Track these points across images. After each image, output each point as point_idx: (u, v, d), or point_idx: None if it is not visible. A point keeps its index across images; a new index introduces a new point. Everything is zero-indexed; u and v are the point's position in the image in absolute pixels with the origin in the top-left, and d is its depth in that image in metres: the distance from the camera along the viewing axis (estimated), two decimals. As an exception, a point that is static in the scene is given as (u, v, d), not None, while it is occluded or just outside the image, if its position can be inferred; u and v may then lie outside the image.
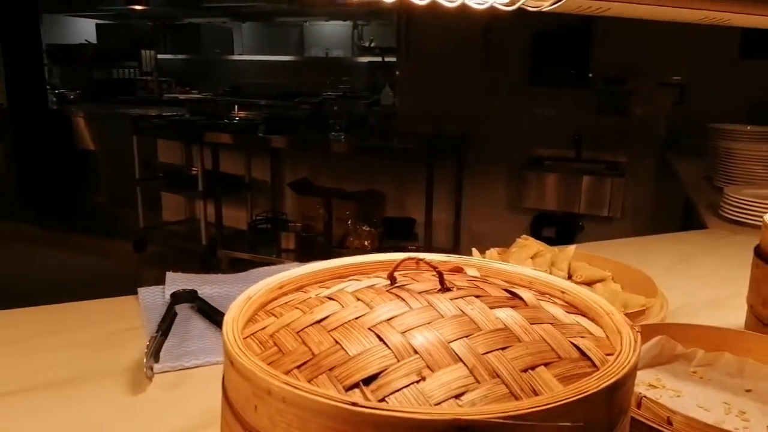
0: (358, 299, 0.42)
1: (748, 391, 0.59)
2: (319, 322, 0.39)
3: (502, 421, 0.30)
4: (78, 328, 0.77)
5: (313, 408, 0.31)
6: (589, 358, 0.38)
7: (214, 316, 0.79)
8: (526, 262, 0.78)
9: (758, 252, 0.73)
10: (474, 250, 0.81)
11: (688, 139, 2.39)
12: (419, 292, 0.42)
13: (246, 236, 3.45)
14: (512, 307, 0.42)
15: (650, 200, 2.88)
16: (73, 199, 4.47)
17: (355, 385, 0.34)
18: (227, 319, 0.40)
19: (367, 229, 3.13)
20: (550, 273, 0.77)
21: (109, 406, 0.61)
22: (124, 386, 0.64)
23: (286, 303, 0.44)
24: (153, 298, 0.85)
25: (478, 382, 0.34)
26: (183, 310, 0.81)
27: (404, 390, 0.33)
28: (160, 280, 0.89)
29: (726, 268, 1.09)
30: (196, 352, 0.70)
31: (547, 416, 0.31)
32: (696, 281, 1.03)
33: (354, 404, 0.30)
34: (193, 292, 0.84)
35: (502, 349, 0.37)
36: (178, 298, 0.83)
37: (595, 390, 0.33)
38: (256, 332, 0.40)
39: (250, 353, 0.35)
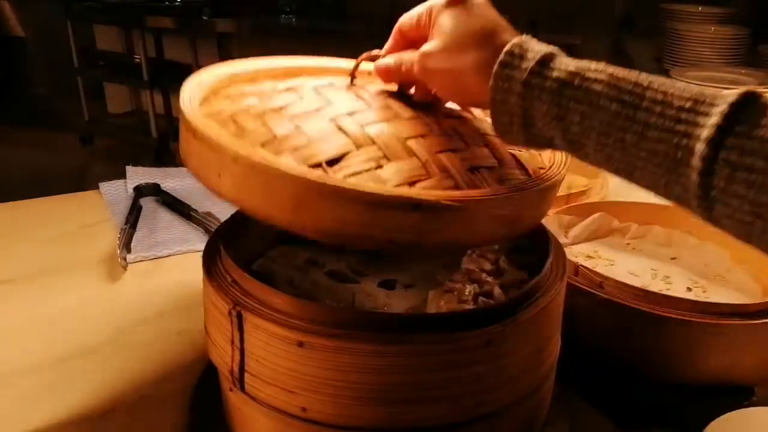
0: (318, 93, 0.42)
1: (673, 258, 0.67)
2: (278, 110, 0.39)
3: (449, 203, 0.34)
4: (45, 223, 0.78)
5: (280, 176, 0.33)
6: (524, 168, 0.42)
7: (180, 208, 0.80)
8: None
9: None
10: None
11: (643, 20, 2.38)
12: (378, 92, 0.43)
13: (199, 127, 3.35)
14: (461, 117, 0.44)
15: (602, 83, 2.91)
16: (9, 91, 4.19)
17: (318, 165, 0.35)
18: (184, 96, 0.39)
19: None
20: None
21: (87, 295, 0.64)
22: (99, 276, 0.66)
23: (240, 92, 0.43)
24: (116, 192, 0.85)
25: (429, 174, 0.37)
26: (147, 203, 0.83)
27: (364, 174, 0.36)
28: (115, 175, 0.89)
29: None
30: (166, 242, 0.73)
31: (486, 206, 0.36)
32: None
33: (322, 175, 0.33)
34: (156, 186, 0.85)
35: (453, 150, 0.39)
36: (141, 191, 0.84)
37: (527, 189, 0.37)
38: (213, 113, 0.40)
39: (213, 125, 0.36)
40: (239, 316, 0.38)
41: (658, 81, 0.32)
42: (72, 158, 3.30)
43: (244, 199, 0.35)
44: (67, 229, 0.77)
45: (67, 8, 3.33)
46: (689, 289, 0.62)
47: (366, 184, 0.35)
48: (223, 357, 0.40)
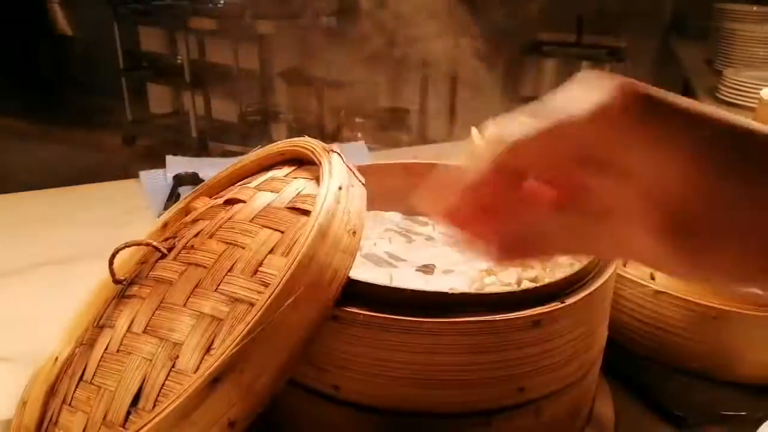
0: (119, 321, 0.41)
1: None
2: (80, 379, 0.39)
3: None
4: (84, 209, 0.79)
5: None
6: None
7: (217, 195, 0.80)
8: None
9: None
10: (473, 128, 0.82)
11: (694, 22, 2.31)
12: (154, 279, 0.42)
13: (237, 128, 3.41)
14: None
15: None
16: (55, 90, 4.33)
17: (127, 413, 0.34)
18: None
19: (360, 120, 3.10)
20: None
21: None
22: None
23: (64, 369, 0.43)
24: (155, 180, 0.86)
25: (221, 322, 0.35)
26: (186, 192, 0.83)
27: (166, 382, 0.34)
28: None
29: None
30: (203, 227, 0.72)
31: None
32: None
33: None
34: (195, 175, 0.85)
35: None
36: (180, 180, 0.84)
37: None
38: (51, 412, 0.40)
39: None
40: (274, 289, 0.36)
41: None
42: (113, 157, 3.38)
43: None
44: (106, 215, 0.77)
45: (115, 10, 3.43)
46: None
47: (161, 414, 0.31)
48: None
